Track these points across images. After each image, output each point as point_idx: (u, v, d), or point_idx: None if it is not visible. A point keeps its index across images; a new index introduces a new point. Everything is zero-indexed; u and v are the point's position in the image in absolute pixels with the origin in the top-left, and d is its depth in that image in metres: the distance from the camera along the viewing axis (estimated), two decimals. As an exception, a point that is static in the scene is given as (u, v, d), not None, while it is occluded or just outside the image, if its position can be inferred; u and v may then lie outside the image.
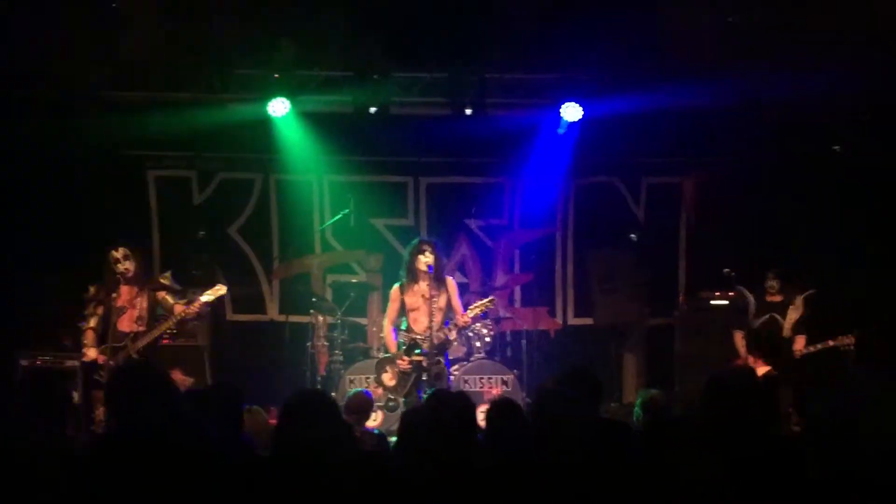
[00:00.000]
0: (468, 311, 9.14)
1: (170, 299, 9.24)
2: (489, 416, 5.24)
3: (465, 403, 4.81)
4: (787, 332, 9.67)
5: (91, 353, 8.99)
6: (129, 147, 11.91)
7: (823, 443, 4.36)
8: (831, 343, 9.27)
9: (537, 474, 4.31)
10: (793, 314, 9.66)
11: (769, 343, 9.37)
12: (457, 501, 4.30)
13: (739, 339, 10.02)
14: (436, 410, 4.72)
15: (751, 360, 9.64)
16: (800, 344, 9.59)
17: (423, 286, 9.15)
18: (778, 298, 9.82)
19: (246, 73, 11.15)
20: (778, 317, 9.71)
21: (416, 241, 9.40)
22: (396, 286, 9.38)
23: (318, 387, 10.54)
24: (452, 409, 4.67)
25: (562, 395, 5.02)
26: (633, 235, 12.42)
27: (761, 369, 9.30)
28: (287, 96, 11.11)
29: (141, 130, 11.39)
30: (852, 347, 9.05)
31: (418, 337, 9.14)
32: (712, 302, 11.37)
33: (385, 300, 11.31)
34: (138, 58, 10.88)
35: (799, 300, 9.69)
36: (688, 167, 12.48)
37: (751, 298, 10.00)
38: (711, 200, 12.29)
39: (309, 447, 4.17)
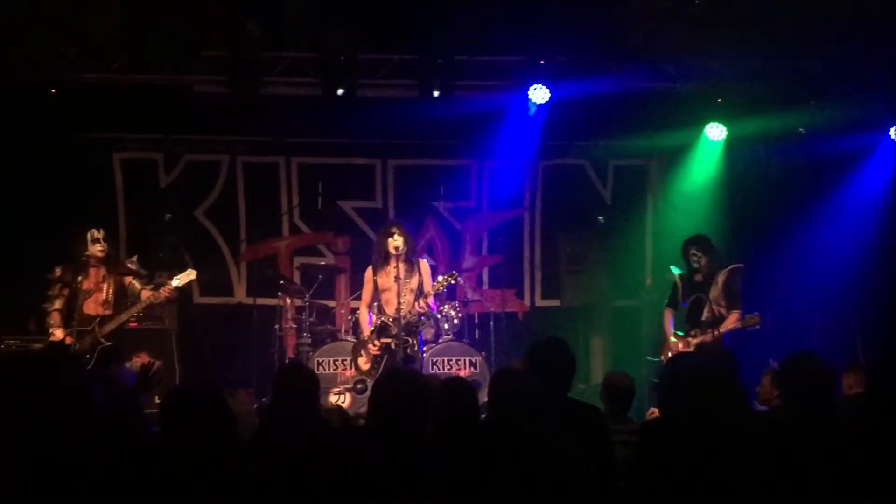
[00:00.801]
0: (434, 284, 9.25)
1: (137, 284, 9.21)
2: (448, 394, 5.24)
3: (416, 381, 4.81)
4: (708, 308, 9.73)
5: (58, 332, 8.95)
6: (94, 129, 11.82)
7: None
8: (739, 324, 9.38)
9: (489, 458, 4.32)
10: (714, 291, 9.72)
11: None
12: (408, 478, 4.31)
13: (666, 316, 10.03)
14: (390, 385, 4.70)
15: (679, 339, 9.70)
16: (729, 320, 9.62)
17: (393, 268, 9.18)
18: (701, 277, 9.85)
19: (211, 54, 11.07)
20: (703, 295, 9.76)
21: (385, 223, 9.47)
22: (370, 268, 9.43)
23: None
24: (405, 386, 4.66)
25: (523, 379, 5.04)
26: (600, 217, 12.49)
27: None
28: (254, 78, 11.05)
29: (106, 113, 11.34)
30: (758, 327, 9.23)
31: (388, 319, 9.18)
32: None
33: (353, 283, 11.38)
34: (103, 39, 10.78)
35: (720, 277, 9.75)
36: (654, 149, 12.53)
37: (678, 279, 10.01)
38: (677, 182, 12.37)
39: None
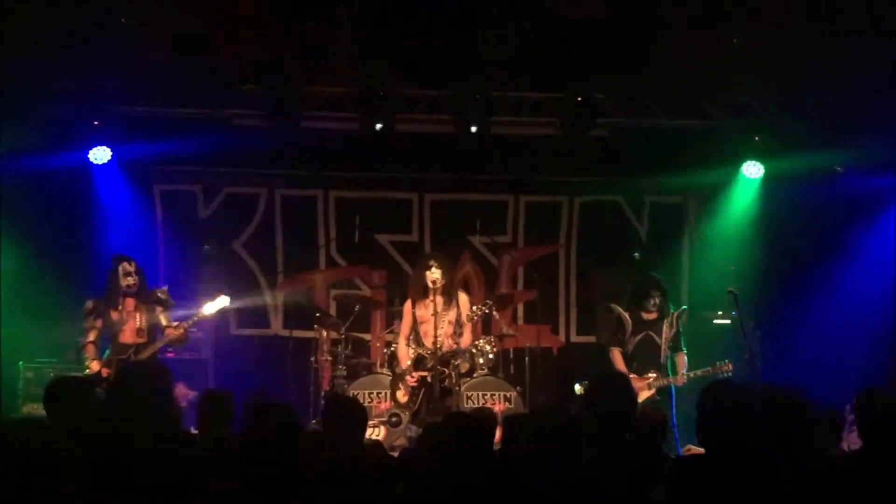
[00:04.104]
0: (469, 314, 9.37)
1: (163, 319, 9.32)
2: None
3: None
4: (663, 349, 9.67)
5: (94, 365, 9.07)
6: (136, 161, 11.96)
7: None
8: (710, 370, 9.29)
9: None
10: (667, 331, 9.66)
11: None
12: None
13: (616, 355, 9.90)
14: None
15: (633, 378, 9.53)
16: (681, 364, 9.58)
17: (431, 301, 9.23)
18: (653, 316, 9.77)
19: (252, 88, 11.21)
20: (653, 334, 9.69)
21: (424, 256, 9.53)
22: (408, 301, 9.49)
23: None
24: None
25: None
26: (636, 254, 12.46)
27: (644, 393, 9.29)
28: (292, 112, 11.17)
29: (148, 144, 11.48)
30: (730, 373, 9.14)
31: (426, 352, 9.21)
32: (714, 321, 11.41)
33: (389, 316, 11.41)
34: (147, 73, 10.95)
35: (673, 317, 9.69)
36: (690, 187, 12.51)
37: (625, 316, 9.91)
38: (713, 219, 12.35)
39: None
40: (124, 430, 4.26)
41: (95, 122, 11.13)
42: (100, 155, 11.48)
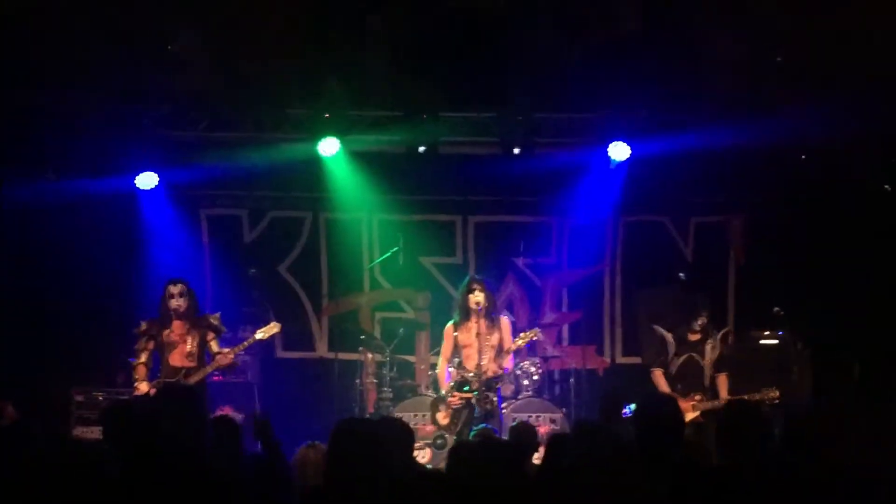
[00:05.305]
0: (516, 340, 9.28)
1: (214, 345, 9.37)
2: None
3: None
4: (707, 371, 9.56)
5: (143, 386, 9.14)
6: (182, 186, 12.08)
7: None
8: (757, 396, 9.14)
9: None
10: (711, 353, 9.55)
11: None
12: None
13: (659, 376, 9.80)
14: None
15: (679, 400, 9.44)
16: (723, 387, 9.48)
17: (475, 324, 9.23)
18: (697, 337, 9.67)
19: (296, 112, 11.32)
20: (696, 356, 9.59)
21: (467, 279, 9.53)
22: (450, 324, 9.51)
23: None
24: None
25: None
26: (681, 274, 12.38)
27: (690, 415, 9.16)
28: (337, 135, 11.25)
29: (193, 170, 11.60)
30: (777, 401, 9.00)
31: (469, 374, 9.21)
32: (762, 341, 11.30)
33: (433, 338, 11.41)
34: (192, 98, 11.09)
35: (717, 338, 9.59)
36: (735, 207, 12.42)
37: (669, 337, 9.81)
38: (760, 240, 12.25)
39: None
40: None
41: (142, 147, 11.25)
42: (147, 180, 11.61)
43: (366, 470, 4.35)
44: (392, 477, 4.31)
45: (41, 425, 5.29)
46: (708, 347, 9.56)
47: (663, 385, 9.60)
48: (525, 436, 7.35)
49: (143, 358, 9.30)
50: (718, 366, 9.54)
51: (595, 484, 4.24)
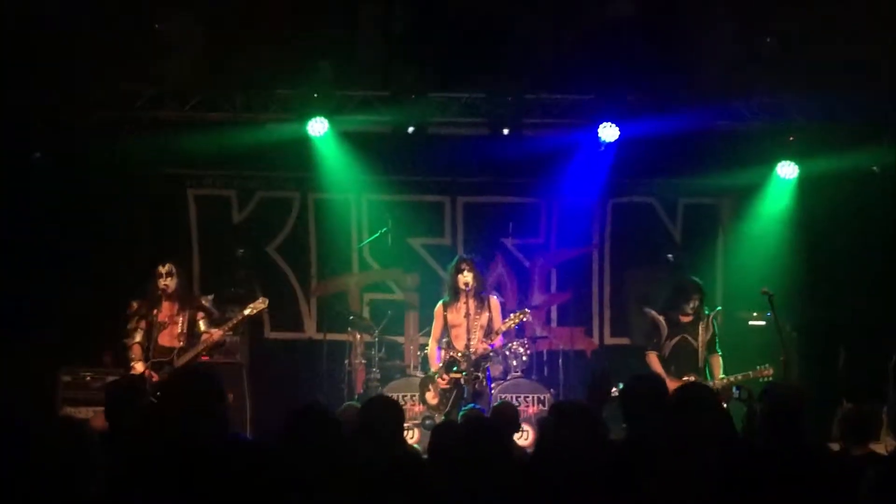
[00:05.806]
0: (506, 321, 9.28)
1: (202, 325, 9.35)
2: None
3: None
4: (700, 352, 9.58)
5: (139, 366, 9.12)
6: (169, 166, 12.04)
7: None
8: (751, 374, 9.19)
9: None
10: (703, 334, 9.57)
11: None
12: None
13: (653, 359, 9.80)
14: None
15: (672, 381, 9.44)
16: (717, 368, 9.50)
17: (463, 304, 9.23)
18: (689, 318, 9.67)
19: (285, 92, 11.28)
20: (689, 337, 9.60)
21: (456, 259, 9.53)
22: (440, 304, 9.50)
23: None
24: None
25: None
26: (669, 255, 12.40)
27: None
28: (325, 116, 11.23)
29: (181, 150, 11.56)
30: (770, 378, 9.06)
31: (458, 354, 9.21)
32: (750, 323, 11.35)
33: (422, 319, 11.41)
34: (179, 79, 11.04)
35: (708, 319, 9.61)
36: (724, 187, 12.44)
37: (661, 320, 9.81)
38: (747, 220, 12.28)
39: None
40: (178, 433, 4.34)
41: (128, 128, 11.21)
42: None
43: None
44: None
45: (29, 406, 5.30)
46: (700, 328, 9.57)
47: (657, 367, 9.56)
48: (506, 415, 7.37)
49: (138, 337, 9.26)
50: (711, 347, 9.56)
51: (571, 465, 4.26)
